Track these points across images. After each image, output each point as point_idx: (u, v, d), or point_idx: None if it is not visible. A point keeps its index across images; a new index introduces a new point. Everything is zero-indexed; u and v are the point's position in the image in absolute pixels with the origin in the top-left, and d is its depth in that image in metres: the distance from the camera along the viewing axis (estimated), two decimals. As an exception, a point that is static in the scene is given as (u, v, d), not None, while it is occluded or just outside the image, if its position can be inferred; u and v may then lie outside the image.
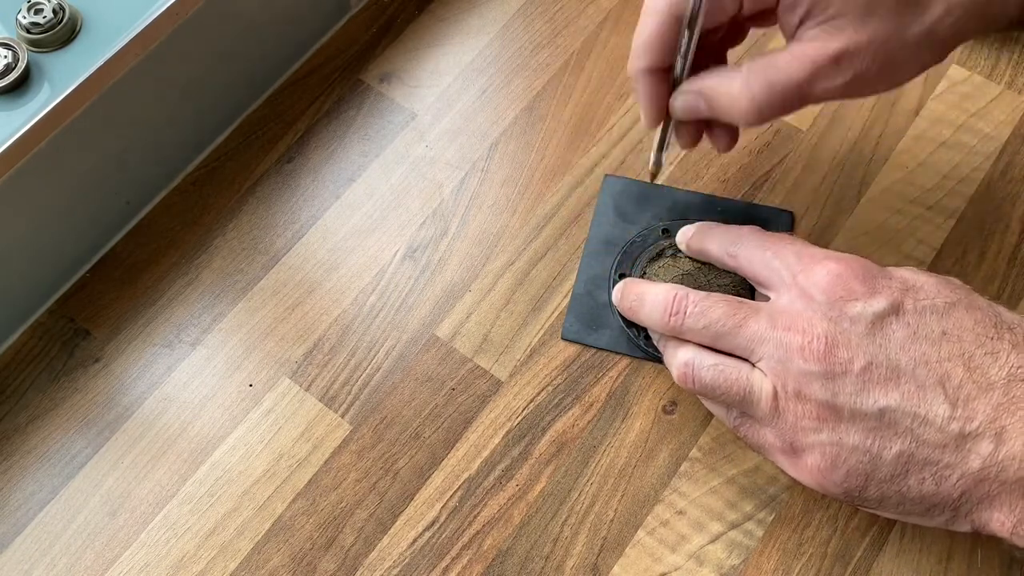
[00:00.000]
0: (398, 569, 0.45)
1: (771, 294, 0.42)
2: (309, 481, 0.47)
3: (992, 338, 0.37)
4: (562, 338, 0.50)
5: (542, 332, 0.50)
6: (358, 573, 0.45)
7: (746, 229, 0.44)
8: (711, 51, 0.44)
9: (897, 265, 0.50)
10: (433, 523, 0.46)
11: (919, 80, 0.53)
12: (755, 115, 0.40)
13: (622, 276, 0.50)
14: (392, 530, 0.46)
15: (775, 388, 0.39)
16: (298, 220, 0.54)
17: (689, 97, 0.42)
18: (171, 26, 0.48)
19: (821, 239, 0.51)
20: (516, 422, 0.48)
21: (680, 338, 0.42)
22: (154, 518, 0.47)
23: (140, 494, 0.47)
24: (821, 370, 0.38)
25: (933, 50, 0.40)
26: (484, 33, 0.58)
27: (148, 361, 0.50)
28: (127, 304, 0.52)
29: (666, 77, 0.43)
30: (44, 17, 0.45)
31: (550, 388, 0.49)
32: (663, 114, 0.44)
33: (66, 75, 0.45)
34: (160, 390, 0.49)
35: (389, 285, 0.52)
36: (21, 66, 0.45)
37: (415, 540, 0.46)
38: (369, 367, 0.50)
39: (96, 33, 0.46)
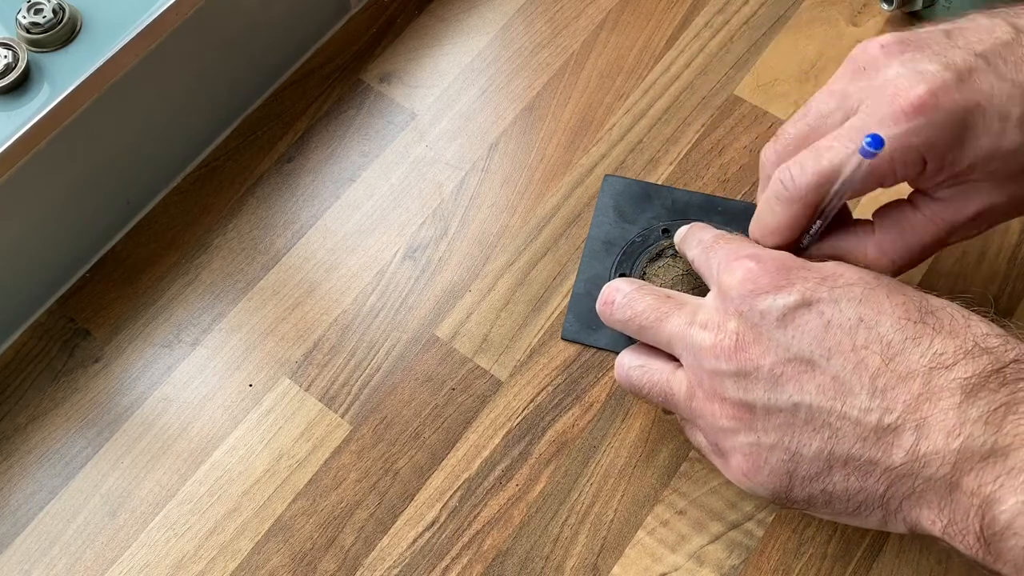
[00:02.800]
0: (398, 569, 0.45)
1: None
2: (309, 481, 0.47)
3: (914, 322, 0.35)
4: (562, 338, 0.50)
5: (542, 332, 0.50)
6: (358, 573, 0.45)
7: (716, 232, 0.43)
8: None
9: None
10: (433, 523, 0.46)
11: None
12: (893, 273, 0.40)
13: (622, 276, 0.50)
14: (392, 530, 0.46)
15: (693, 388, 0.38)
16: (298, 220, 0.54)
17: (819, 261, 0.40)
18: (171, 26, 0.48)
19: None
20: (516, 422, 0.48)
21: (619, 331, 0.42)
22: (154, 518, 0.47)
23: (140, 494, 0.47)
24: (732, 368, 0.37)
25: None
26: (484, 33, 0.58)
27: (148, 361, 0.50)
28: (127, 304, 0.52)
29: (791, 245, 0.41)
30: (44, 17, 0.45)
31: (550, 388, 0.49)
32: None
33: (66, 75, 0.45)
34: (160, 390, 0.49)
35: (389, 285, 0.52)
36: (21, 66, 0.45)
37: (415, 540, 0.46)
38: (369, 367, 0.49)
39: (96, 33, 0.46)
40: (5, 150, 0.44)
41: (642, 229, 0.52)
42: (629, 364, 0.42)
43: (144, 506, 0.47)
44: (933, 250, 0.39)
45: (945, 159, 0.37)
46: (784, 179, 0.38)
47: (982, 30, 0.37)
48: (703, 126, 0.55)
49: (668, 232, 0.51)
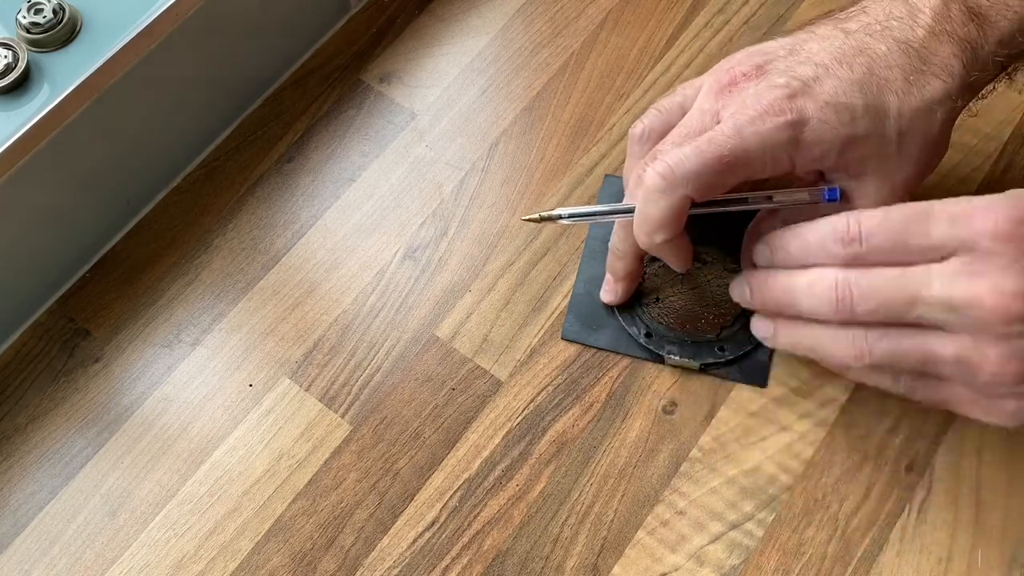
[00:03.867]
0: (398, 569, 0.45)
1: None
2: (309, 481, 0.47)
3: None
4: (562, 338, 0.50)
5: (542, 332, 0.50)
6: (358, 573, 0.45)
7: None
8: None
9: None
10: (433, 523, 0.46)
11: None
12: None
13: None
14: (392, 530, 0.46)
15: (972, 343, 0.38)
16: (298, 220, 0.54)
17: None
18: (171, 26, 0.48)
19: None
20: (516, 422, 0.48)
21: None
22: (154, 518, 0.47)
23: (140, 494, 0.47)
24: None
25: (941, 147, 0.44)
26: (484, 33, 0.58)
27: (148, 361, 0.50)
28: (127, 304, 0.52)
29: (685, 234, 0.44)
30: (44, 17, 0.45)
31: (550, 388, 0.49)
32: (691, 258, 0.46)
33: (66, 75, 0.45)
34: (160, 390, 0.49)
35: (389, 285, 0.52)
36: (21, 66, 0.45)
37: (415, 540, 0.46)
38: (369, 367, 0.50)
39: (96, 33, 0.46)
40: (5, 150, 0.44)
41: (642, 229, 0.52)
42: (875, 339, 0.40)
43: (144, 506, 0.47)
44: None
45: (811, 154, 0.42)
46: (663, 171, 0.42)
47: (820, 39, 0.44)
48: (703, 126, 0.55)
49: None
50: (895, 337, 0.39)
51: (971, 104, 0.45)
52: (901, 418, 0.47)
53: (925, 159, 0.44)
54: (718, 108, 0.44)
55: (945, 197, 0.52)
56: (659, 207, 0.43)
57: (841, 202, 0.44)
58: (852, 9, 0.45)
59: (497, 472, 0.47)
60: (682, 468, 0.47)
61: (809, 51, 0.44)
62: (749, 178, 0.43)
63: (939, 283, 0.38)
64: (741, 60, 0.45)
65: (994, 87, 0.45)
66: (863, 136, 0.42)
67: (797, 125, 0.42)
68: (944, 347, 0.38)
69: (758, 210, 0.48)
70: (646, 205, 0.43)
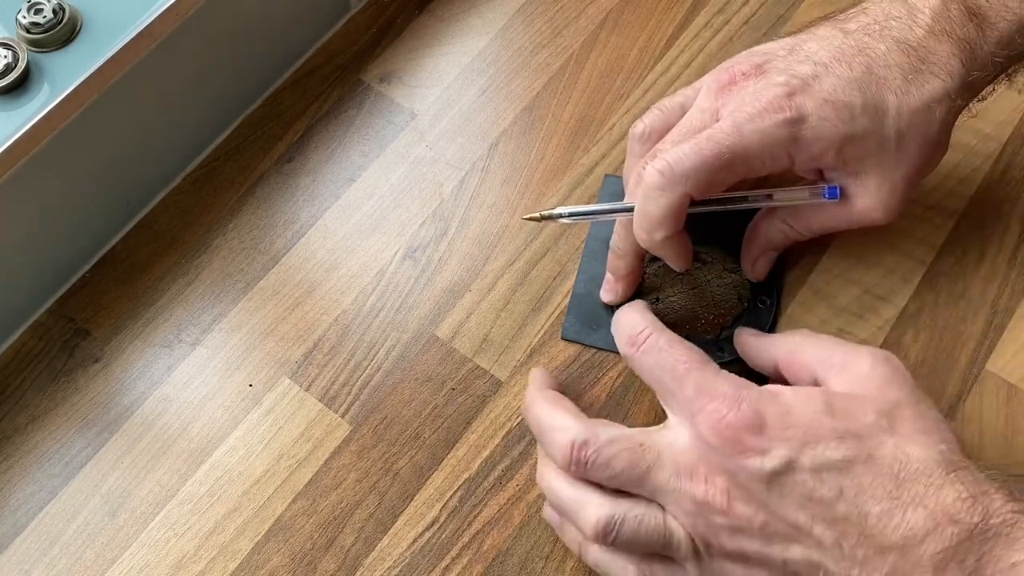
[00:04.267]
0: (398, 569, 0.45)
1: (668, 411, 0.41)
2: (309, 481, 0.47)
3: (890, 495, 0.36)
4: (562, 338, 0.50)
5: (542, 332, 0.50)
6: (358, 573, 0.45)
7: (667, 338, 0.43)
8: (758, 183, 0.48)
9: (896, 267, 0.50)
10: (433, 523, 0.46)
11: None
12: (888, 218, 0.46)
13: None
14: (392, 530, 0.46)
15: (688, 533, 0.40)
16: (298, 220, 0.54)
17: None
18: (171, 26, 0.48)
19: (824, 240, 0.51)
20: (516, 422, 0.48)
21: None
22: (154, 518, 0.47)
23: (140, 494, 0.47)
24: (726, 523, 0.38)
25: (941, 146, 0.45)
26: (484, 33, 0.58)
27: (148, 361, 0.50)
28: (127, 304, 0.52)
29: (684, 232, 0.45)
30: (44, 17, 0.45)
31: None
32: (691, 257, 0.47)
33: (66, 75, 0.45)
34: (160, 390, 0.49)
35: (389, 285, 0.52)
36: (21, 66, 0.45)
37: (415, 540, 0.46)
38: (369, 367, 0.50)
39: (96, 33, 0.46)
40: (5, 150, 0.44)
41: (642, 229, 0.52)
42: (622, 517, 0.40)
43: (144, 506, 0.47)
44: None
45: (811, 151, 0.43)
46: (662, 168, 0.42)
47: (819, 39, 0.44)
48: (703, 126, 0.55)
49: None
50: (636, 511, 0.41)
51: (971, 105, 0.45)
52: (901, 418, 0.47)
53: (924, 158, 0.44)
54: (717, 107, 0.44)
55: (946, 196, 0.52)
56: (659, 204, 0.43)
57: (841, 199, 0.45)
58: (852, 10, 0.45)
59: (497, 472, 0.47)
60: (682, 468, 0.47)
61: (808, 50, 0.44)
62: (748, 175, 0.44)
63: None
64: (741, 60, 0.45)
65: (994, 88, 0.45)
66: (861, 134, 0.43)
67: (796, 122, 0.42)
68: (676, 529, 0.40)
69: (758, 209, 0.48)
70: (646, 202, 0.43)
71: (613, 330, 0.45)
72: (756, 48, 0.46)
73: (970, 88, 0.43)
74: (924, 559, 0.35)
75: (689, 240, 0.45)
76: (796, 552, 0.37)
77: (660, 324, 0.43)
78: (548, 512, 0.44)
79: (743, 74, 0.44)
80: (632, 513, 0.40)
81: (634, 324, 0.43)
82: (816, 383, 0.41)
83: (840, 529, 0.36)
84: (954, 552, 0.35)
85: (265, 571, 0.45)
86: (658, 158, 0.43)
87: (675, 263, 0.46)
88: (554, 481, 0.42)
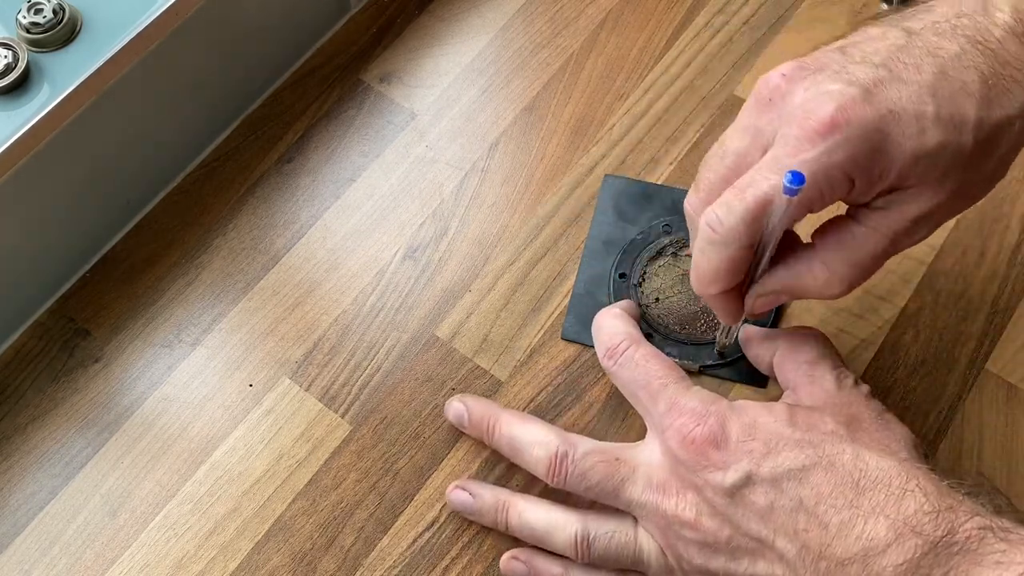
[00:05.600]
0: (398, 569, 0.45)
1: (647, 425, 0.42)
2: (309, 481, 0.47)
3: (850, 504, 0.36)
4: (562, 338, 0.50)
5: (542, 332, 0.50)
6: (358, 573, 0.45)
7: (647, 352, 0.43)
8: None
9: (896, 267, 0.50)
10: (433, 523, 0.46)
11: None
12: (846, 291, 0.39)
13: (622, 276, 0.50)
14: (392, 530, 0.46)
15: (660, 547, 0.41)
16: (298, 220, 0.54)
17: (770, 298, 0.41)
18: (171, 26, 0.48)
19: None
20: (516, 422, 0.48)
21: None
22: (154, 518, 0.47)
23: (140, 494, 0.47)
24: (695, 537, 0.39)
25: (1002, 170, 0.38)
26: (484, 33, 0.58)
27: (148, 361, 0.50)
28: (127, 304, 0.52)
29: (739, 287, 0.41)
30: (44, 17, 0.45)
31: (550, 388, 0.49)
32: (741, 312, 0.42)
33: (66, 75, 0.45)
34: (160, 390, 0.49)
35: (389, 285, 0.52)
36: (21, 66, 0.45)
37: (415, 540, 0.46)
38: (369, 367, 0.50)
39: (96, 33, 0.46)
40: (5, 150, 0.44)
41: (642, 229, 0.52)
42: (594, 534, 0.41)
43: (144, 506, 0.47)
44: (881, 261, 0.39)
45: (872, 173, 0.36)
46: (712, 222, 0.37)
47: (876, 39, 0.37)
48: (703, 126, 0.55)
49: (669, 229, 0.51)
50: (609, 527, 0.42)
51: None
52: (901, 416, 0.47)
53: (990, 179, 0.38)
54: (761, 125, 0.38)
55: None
56: (710, 260, 0.39)
57: (879, 210, 0.38)
58: (913, 8, 0.38)
59: (497, 472, 0.47)
60: (682, 468, 0.47)
61: (866, 51, 0.37)
62: (810, 211, 0.37)
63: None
64: (785, 66, 0.38)
65: None
66: (936, 149, 0.35)
67: (853, 142, 0.35)
68: (647, 544, 0.41)
69: None
70: (700, 256, 0.39)
71: (593, 334, 0.45)
72: (809, 57, 0.38)
73: None
74: (887, 571, 0.35)
75: (742, 294, 0.41)
76: (761, 568, 0.38)
77: (638, 334, 0.44)
78: (512, 565, 0.44)
79: (783, 76, 0.37)
80: (603, 529, 0.41)
81: (612, 334, 0.43)
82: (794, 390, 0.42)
83: (801, 541, 0.36)
84: (917, 565, 0.34)
85: (265, 571, 0.45)
86: (709, 210, 0.38)
87: (725, 317, 0.43)
88: (525, 511, 0.43)
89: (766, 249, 0.38)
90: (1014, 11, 0.36)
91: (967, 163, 0.36)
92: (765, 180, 0.36)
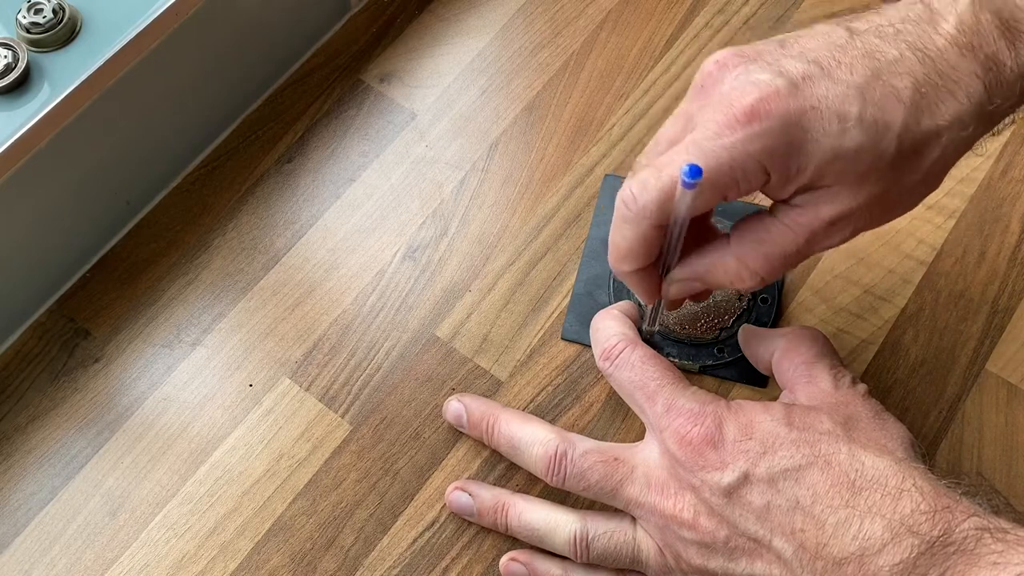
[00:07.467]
0: (398, 569, 0.45)
1: (645, 426, 0.43)
2: (309, 481, 0.47)
3: (846, 504, 0.36)
4: (562, 338, 0.50)
5: (542, 332, 0.50)
6: (358, 573, 0.45)
7: (643, 354, 0.43)
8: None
9: (896, 267, 0.50)
10: (433, 523, 0.46)
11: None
12: (757, 285, 0.39)
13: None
14: (392, 530, 0.46)
15: (659, 547, 0.41)
16: (298, 220, 0.54)
17: (684, 285, 0.41)
18: (171, 26, 0.48)
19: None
20: (516, 422, 0.48)
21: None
22: (154, 518, 0.47)
23: (140, 494, 0.47)
24: (693, 537, 0.39)
25: (930, 184, 0.38)
26: (484, 33, 0.58)
27: (148, 361, 0.50)
28: (127, 304, 0.52)
29: (654, 268, 0.41)
30: (44, 17, 0.45)
31: (550, 388, 0.49)
32: (658, 294, 0.42)
33: (66, 75, 0.45)
34: (160, 390, 0.49)
35: (389, 285, 0.52)
36: (21, 66, 0.45)
37: (415, 540, 0.46)
38: (369, 367, 0.50)
39: (96, 33, 0.46)
40: (5, 150, 0.44)
41: (642, 229, 0.51)
42: (593, 534, 0.42)
43: (144, 506, 0.47)
44: (796, 260, 0.38)
45: (788, 166, 0.36)
46: (627, 199, 0.37)
47: (818, 36, 0.37)
48: (703, 126, 0.55)
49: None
50: (607, 527, 0.42)
51: (980, 142, 0.38)
52: (901, 416, 0.47)
53: (913, 192, 0.38)
54: (693, 110, 0.38)
55: (946, 196, 0.52)
56: (624, 237, 0.39)
57: (796, 207, 0.38)
58: (870, 11, 0.38)
59: (497, 472, 0.47)
60: (682, 468, 0.47)
61: (804, 46, 0.37)
62: (725, 199, 0.37)
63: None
64: (721, 53, 0.38)
65: (1014, 119, 0.40)
66: (854, 151, 0.35)
67: (771, 134, 0.35)
68: (645, 544, 0.42)
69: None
70: (614, 233, 0.39)
71: (590, 335, 0.45)
72: (744, 45, 0.38)
73: (987, 119, 0.36)
74: (883, 571, 0.35)
75: (658, 275, 0.41)
76: (758, 567, 0.38)
77: (634, 335, 0.44)
78: (511, 567, 0.44)
79: (717, 64, 0.37)
80: (602, 529, 0.42)
81: (609, 336, 0.43)
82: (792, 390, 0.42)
83: (798, 541, 0.36)
84: (913, 565, 0.34)
85: (265, 571, 0.45)
86: (625, 185, 0.38)
87: (642, 297, 0.42)
88: (524, 511, 0.43)
89: (674, 234, 0.38)
90: (959, 22, 0.36)
91: (888, 170, 0.36)
92: (682, 160, 0.36)
